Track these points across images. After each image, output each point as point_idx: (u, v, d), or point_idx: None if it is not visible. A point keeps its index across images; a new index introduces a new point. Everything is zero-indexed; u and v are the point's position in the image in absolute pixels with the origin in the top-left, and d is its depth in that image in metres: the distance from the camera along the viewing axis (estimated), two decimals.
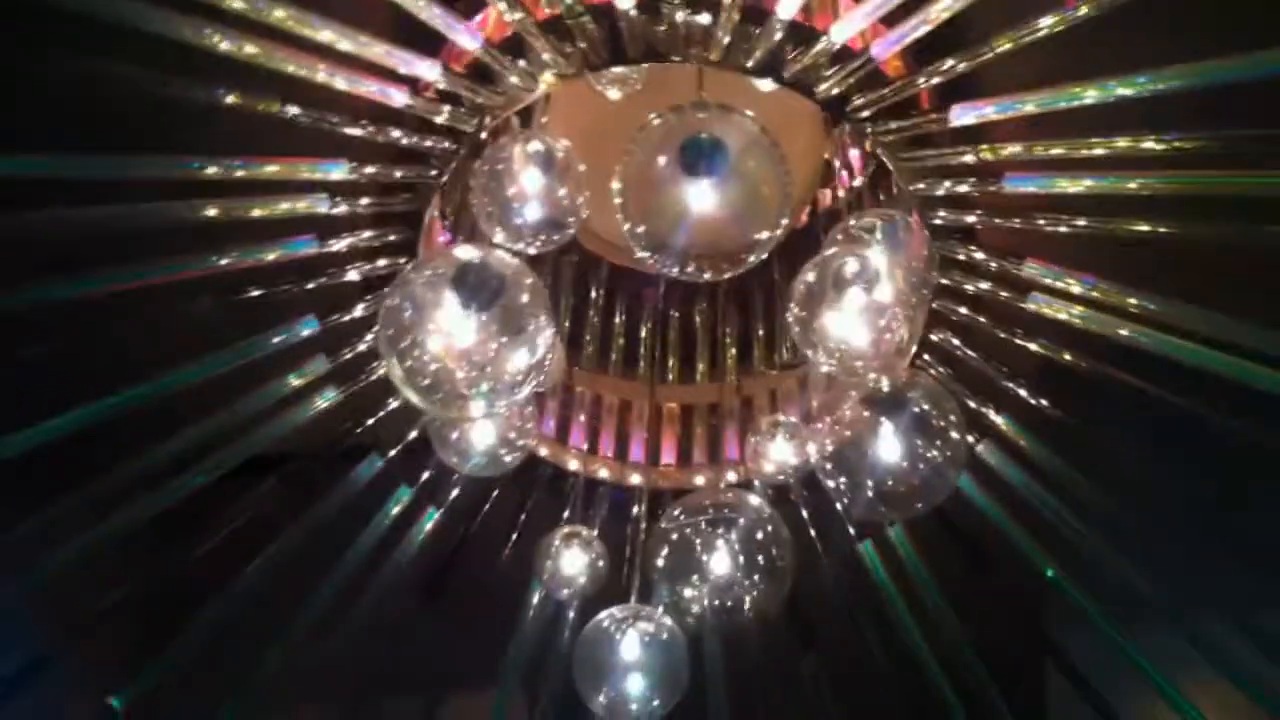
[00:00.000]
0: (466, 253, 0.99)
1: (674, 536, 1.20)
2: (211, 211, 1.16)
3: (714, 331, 1.56)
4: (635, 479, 1.44)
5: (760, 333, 1.54)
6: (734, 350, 1.54)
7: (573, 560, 1.25)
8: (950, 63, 1.08)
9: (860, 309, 1.00)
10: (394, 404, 1.33)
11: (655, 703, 1.18)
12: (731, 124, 0.97)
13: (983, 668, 1.37)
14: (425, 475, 1.37)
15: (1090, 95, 1.07)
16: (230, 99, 1.07)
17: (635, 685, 1.18)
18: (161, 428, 1.29)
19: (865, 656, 1.40)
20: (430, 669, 1.63)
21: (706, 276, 1.01)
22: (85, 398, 1.24)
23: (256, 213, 1.17)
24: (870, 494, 1.13)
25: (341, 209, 1.18)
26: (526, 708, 1.54)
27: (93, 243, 1.19)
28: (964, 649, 1.37)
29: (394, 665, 1.54)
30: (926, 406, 1.10)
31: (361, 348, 1.30)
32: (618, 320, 1.57)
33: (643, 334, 1.54)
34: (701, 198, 0.96)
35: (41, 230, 1.19)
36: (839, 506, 1.25)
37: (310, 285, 1.24)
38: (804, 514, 1.37)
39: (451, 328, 0.98)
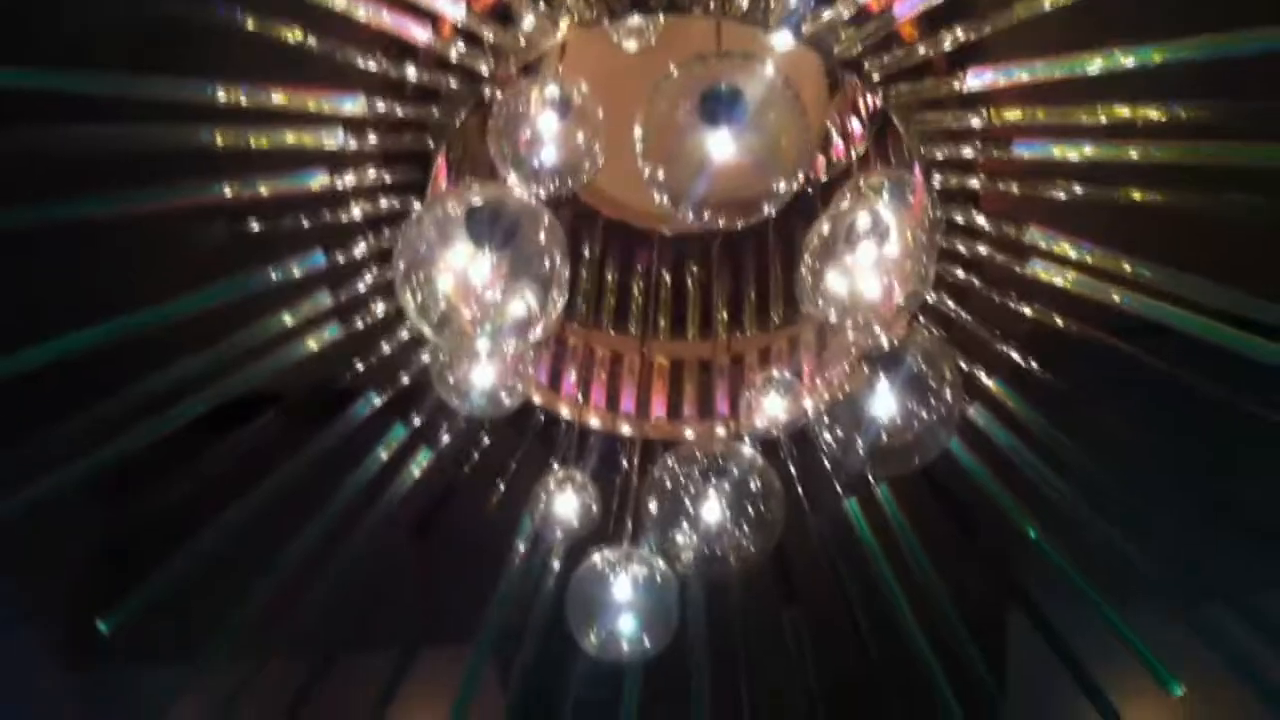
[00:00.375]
0: (484, 191, 1.00)
1: (666, 484, 1.22)
2: (220, 138, 1.15)
3: (706, 289, 1.57)
4: (626, 429, 1.45)
5: (752, 292, 1.56)
6: (726, 308, 1.56)
7: (566, 502, 1.27)
8: (964, 27, 1.10)
9: (871, 263, 1.02)
10: (395, 343, 1.34)
11: (646, 642, 1.20)
12: (753, 75, 0.98)
13: (962, 626, 1.40)
14: (420, 416, 1.37)
15: (1095, 65, 1.11)
16: (249, 23, 1.07)
17: (627, 625, 1.20)
18: (159, 358, 1.29)
19: (846, 612, 1.43)
20: (407, 622, 1.63)
21: (722, 224, 1.03)
22: (84, 322, 1.23)
23: (266, 142, 1.17)
24: (864, 450, 1.15)
25: (354, 144, 1.18)
26: (499, 666, 1.56)
27: (97, 164, 1.17)
28: (944, 608, 1.40)
29: (371, 617, 1.54)
30: (924, 365, 1.12)
31: (365, 286, 1.30)
32: (611, 274, 1.58)
33: (635, 289, 1.56)
34: (720, 147, 0.98)
35: (48, 147, 1.18)
36: (831, 461, 1.28)
37: (317, 220, 1.24)
38: (791, 470, 1.39)
39: (465, 264, 0.99)
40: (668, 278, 1.58)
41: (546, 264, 0.99)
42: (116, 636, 1.39)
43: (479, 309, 1.00)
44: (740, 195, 1.01)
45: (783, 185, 0.99)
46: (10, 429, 1.25)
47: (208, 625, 1.45)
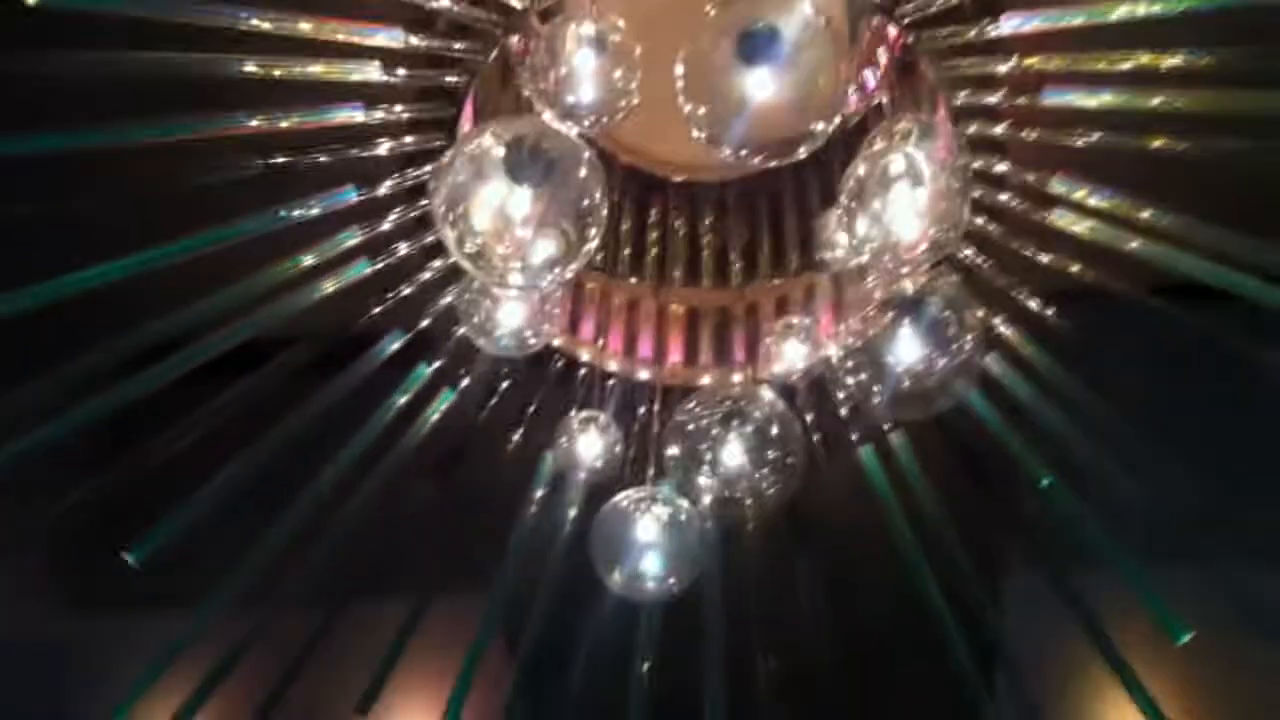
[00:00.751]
0: (524, 125, 1.00)
1: (687, 427, 1.24)
2: (252, 68, 1.15)
3: (721, 237, 1.58)
4: (644, 374, 1.46)
5: (768, 239, 1.57)
6: (741, 256, 1.56)
7: (589, 443, 1.28)
8: None
9: (905, 206, 1.03)
10: (417, 284, 1.34)
11: (671, 581, 1.21)
12: (791, 13, 0.99)
13: (974, 576, 1.41)
14: (442, 358, 1.38)
15: (1121, 11, 1.12)
16: None
17: (651, 564, 1.21)
18: (172, 299, 1.29)
19: (859, 560, 1.44)
20: (423, 569, 1.61)
21: (758, 163, 1.04)
22: (107, 254, 1.22)
23: (297, 74, 1.16)
24: (884, 396, 1.16)
25: (391, 78, 1.18)
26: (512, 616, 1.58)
27: (123, 91, 1.16)
28: (957, 556, 1.41)
29: (386, 564, 1.54)
30: (946, 311, 1.13)
31: (391, 224, 1.30)
32: (626, 222, 1.58)
33: (650, 237, 1.57)
34: (758, 86, 0.99)
35: (69, 72, 1.17)
36: (849, 408, 1.29)
37: (350, 155, 1.24)
38: (808, 417, 1.40)
39: (502, 199, 1.00)
40: (683, 225, 1.59)
41: (585, 201, 1.00)
42: (121, 583, 1.39)
43: (515, 245, 1.01)
44: (777, 136, 1.02)
45: (820, 125, 1.00)
46: (15, 371, 1.24)
47: (218, 572, 1.44)
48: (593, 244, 1.01)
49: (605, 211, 1.01)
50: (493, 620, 1.54)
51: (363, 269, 1.31)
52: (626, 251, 1.56)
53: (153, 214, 1.24)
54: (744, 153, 1.01)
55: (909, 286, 1.12)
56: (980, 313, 1.30)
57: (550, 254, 1.01)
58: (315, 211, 1.27)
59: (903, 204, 1.02)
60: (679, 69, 0.99)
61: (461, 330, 1.29)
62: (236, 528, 1.36)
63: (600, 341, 1.47)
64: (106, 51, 1.13)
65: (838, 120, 1.00)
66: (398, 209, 1.31)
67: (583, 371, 1.46)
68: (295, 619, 1.48)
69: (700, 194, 1.57)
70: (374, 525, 1.46)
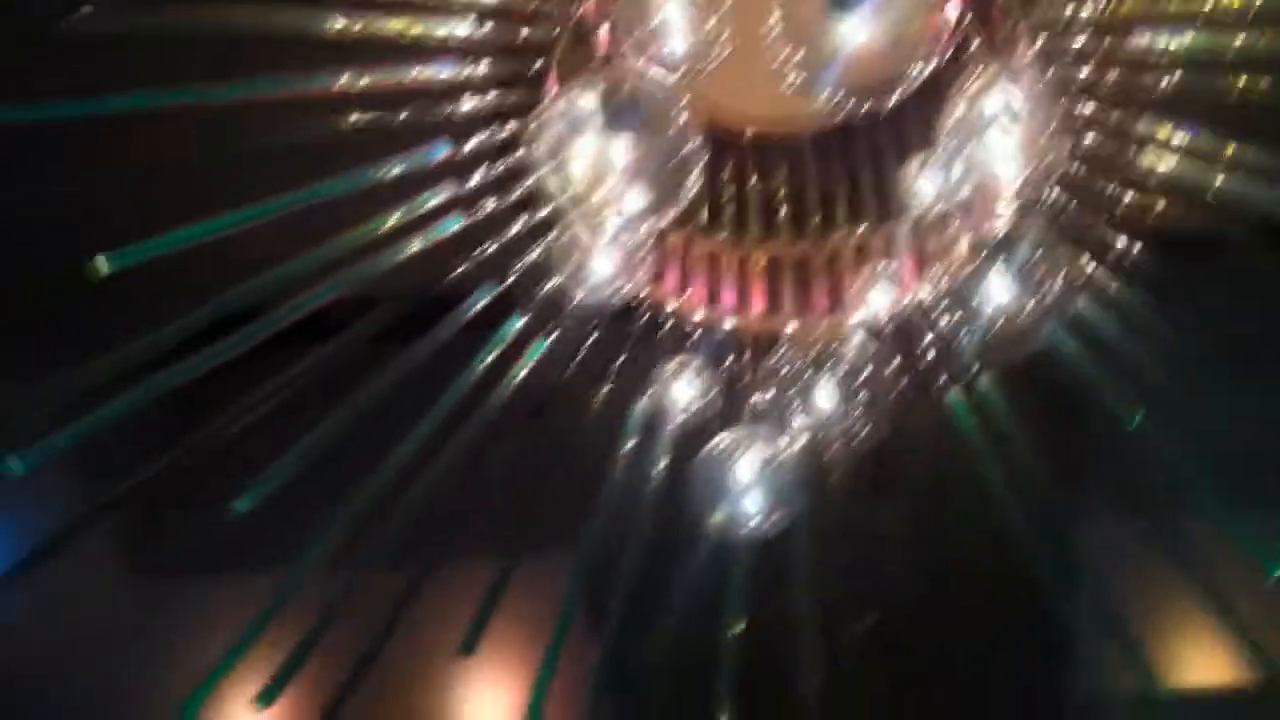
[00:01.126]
0: (619, 75, 1.02)
1: (779, 372, 1.26)
2: (341, 24, 1.17)
3: (798, 189, 1.59)
4: (730, 323, 1.48)
5: (847, 190, 1.57)
6: (820, 207, 1.57)
7: (682, 389, 1.30)
8: None
9: (1001, 147, 1.04)
10: (510, 236, 1.36)
11: (769, 520, 1.24)
12: None
13: (1063, 517, 1.42)
14: (532, 310, 1.40)
15: None
16: None
17: (749, 505, 1.23)
18: (257, 260, 1.31)
19: (947, 504, 1.46)
20: (510, 528, 1.63)
21: (852, 106, 1.05)
22: (199, 213, 1.24)
23: (386, 28, 1.18)
24: (974, 338, 1.18)
25: (481, 32, 1.19)
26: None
27: (209, 50, 1.17)
28: (1046, 497, 1.42)
29: (473, 523, 1.56)
30: (1037, 253, 1.14)
31: (481, 180, 1.32)
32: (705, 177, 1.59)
33: (728, 192, 1.58)
34: (852, 31, 0.99)
35: (158, 29, 1.19)
36: (937, 351, 1.30)
37: (436, 113, 1.26)
38: (895, 360, 1.41)
39: (599, 149, 1.02)
40: (759, 181, 1.60)
41: (680, 149, 1.01)
42: (197, 548, 1.40)
43: (611, 193, 1.03)
44: (871, 81, 1.03)
45: (914, 68, 1.01)
46: (97, 334, 1.27)
47: (300, 534, 1.45)
48: (689, 192, 1.03)
49: (701, 160, 1.03)
50: (582, 576, 1.56)
51: (454, 224, 1.33)
52: (704, 208, 1.58)
53: (241, 174, 1.27)
54: (838, 99, 1.02)
55: (1000, 228, 1.13)
56: (1069, 254, 1.31)
57: (646, 202, 1.03)
58: (403, 169, 1.29)
59: (999, 144, 1.03)
60: (773, 17, 1.00)
61: (553, 283, 1.31)
62: (319, 490, 1.36)
63: (687, 292, 1.48)
64: (193, 6, 1.15)
65: (931, 63, 1.01)
66: (485, 165, 1.33)
67: (669, 323, 1.48)
68: (383, 581, 1.49)
69: (775, 150, 1.58)
70: (463, 484, 1.47)
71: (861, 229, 1.54)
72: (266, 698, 1.35)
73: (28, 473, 1.21)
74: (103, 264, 1.13)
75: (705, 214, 1.57)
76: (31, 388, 1.35)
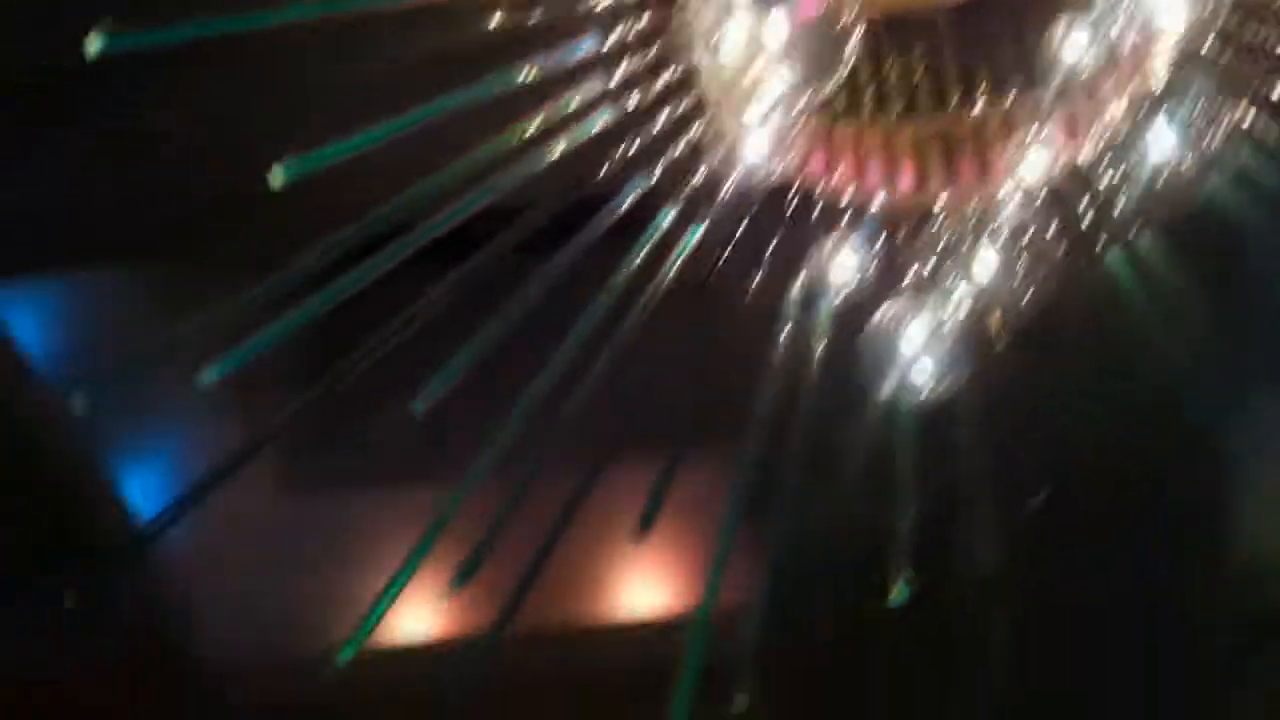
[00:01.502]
0: None
1: (937, 243, 1.26)
2: None
3: (937, 66, 1.57)
4: (881, 199, 1.48)
5: (987, 64, 1.55)
6: (961, 82, 1.55)
7: (841, 265, 1.31)
8: None
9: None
10: (657, 130, 1.37)
11: (942, 384, 1.25)
12: None
13: (1230, 381, 1.40)
14: (686, 198, 1.41)
15: None
16: None
17: (921, 372, 1.24)
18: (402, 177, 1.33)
19: (1109, 369, 1.44)
20: (673, 424, 1.60)
21: None
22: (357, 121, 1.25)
23: None
24: (1134, 195, 1.16)
25: None
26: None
27: None
28: (1212, 362, 1.40)
29: (637, 421, 1.56)
30: (1199, 106, 1.12)
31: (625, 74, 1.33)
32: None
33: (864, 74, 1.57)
34: None
35: None
36: (1096, 211, 1.29)
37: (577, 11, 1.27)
38: (1054, 223, 1.39)
39: (751, 29, 1.02)
40: (895, 62, 1.58)
41: (832, 27, 1.02)
42: (351, 464, 1.42)
43: (761, 76, 1.04)
44: None
45: None
46: (256, 260, 1.31)
47: (454, 449, 1.45)
48: (842, 70, 1.04)
49: (854, 38, 1.03)
50: (746, 471, 1.52)
51: (603, 117, 1.35)
52: (844, 91, 1.57)
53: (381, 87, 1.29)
54: None
55: (1158, 83, 1.11)
56: (1231, 105, 1.28)
57: (798, 81, 1.04)
58: (548, 67, 1.30)
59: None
60: None
61: (703, 171, 1.33)
62: (472, 400, 1.37)
63: (836, 172, 1.48)
64: None
65: None
66: (630, 57, 1.33)
67: (820, 204, 1.48)
68: (547, 488, 1.48)
69: (910, 29, 1.56)
70: (624, 381, 1.47)
71: (1008, 97, 1.52)
72: (461, 579, 1.39)
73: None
74: (278, 175, 1.16)
75: (844, 97, 1.57)
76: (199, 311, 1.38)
